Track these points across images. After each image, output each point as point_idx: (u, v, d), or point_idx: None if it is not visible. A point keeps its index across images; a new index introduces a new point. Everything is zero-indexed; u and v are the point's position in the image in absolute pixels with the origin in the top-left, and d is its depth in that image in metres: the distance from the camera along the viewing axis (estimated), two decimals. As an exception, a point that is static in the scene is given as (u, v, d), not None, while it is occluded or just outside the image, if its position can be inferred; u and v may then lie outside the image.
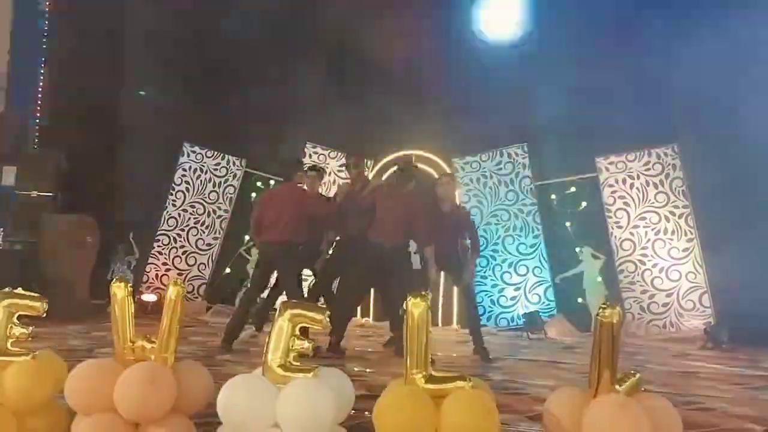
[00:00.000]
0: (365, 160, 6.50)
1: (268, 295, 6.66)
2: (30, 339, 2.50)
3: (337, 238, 6.23)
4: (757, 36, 7.13)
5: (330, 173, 9.40)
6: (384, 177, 8.40)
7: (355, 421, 2.85)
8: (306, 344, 2.38)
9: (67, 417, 2.48)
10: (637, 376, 2.22)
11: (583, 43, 8.14)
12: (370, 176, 9.27)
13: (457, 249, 5.78)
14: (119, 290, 2.46)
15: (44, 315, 2.53)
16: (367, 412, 3.03)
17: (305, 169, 6.44)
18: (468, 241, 5.90)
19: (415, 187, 5.77)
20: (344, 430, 2.36)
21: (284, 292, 6.03)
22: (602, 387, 2.06)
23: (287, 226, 5.56)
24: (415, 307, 2.28)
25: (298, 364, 2.35)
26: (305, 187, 6.17)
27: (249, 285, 6.18)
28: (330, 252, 6.24)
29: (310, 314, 2.40)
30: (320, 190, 6.76)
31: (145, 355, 2.42)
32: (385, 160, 9.49)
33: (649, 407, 2.03)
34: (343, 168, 9.59)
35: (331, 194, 7.33)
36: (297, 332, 2.38)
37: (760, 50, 7.21)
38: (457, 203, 6.17)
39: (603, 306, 2.05)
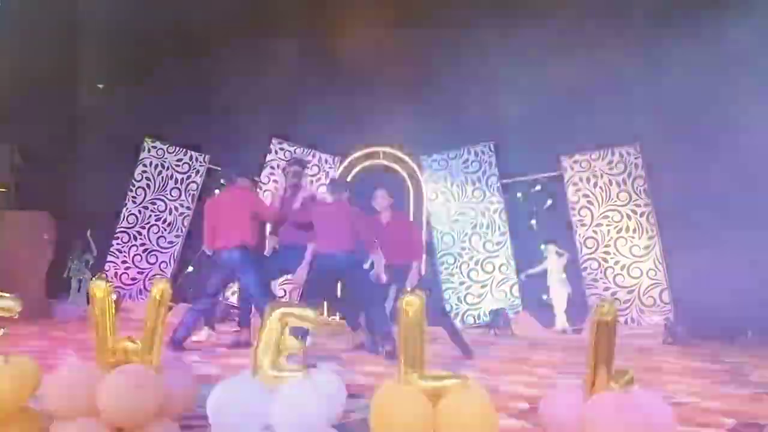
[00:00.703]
0: (306, 169, 6.55)
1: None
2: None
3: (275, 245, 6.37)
4: (724, 35, 7.29)
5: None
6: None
7: (341, 421, 2.80)
8: (297, 344, 2.34)
9: (43, 422, 2.37)
10: (630, 372, 2.24)
11: (551, 42, 8.24)
12: (337, 174, 9.25)
13: (405, 259, 5.87)
14: (99, 290, 2.36)
15: (16, 316, 2.42)
16: (352, 413, 2.99)
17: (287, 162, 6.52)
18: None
19: (348, 198, 5.93)
20: (335, 431, 2.32)
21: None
22: (599, 384, 2.08)
23: (242, 230, 5.62)
24: (409, 305, 2.25)
25: (288, 364, 2.31)
26: (250, 190, 6.30)
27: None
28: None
29: (300, 313, 2.35)
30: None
31: (127, 358, 2.33)
32: (351, 158, 9.43)
33: (644, 403, 2.05)
34: (309, 165, 9.55)
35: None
36: (287, 332, 2.33)
37: (726, 50, 7.39)
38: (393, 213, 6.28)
39: (600, 303, 2.06)
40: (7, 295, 2.41)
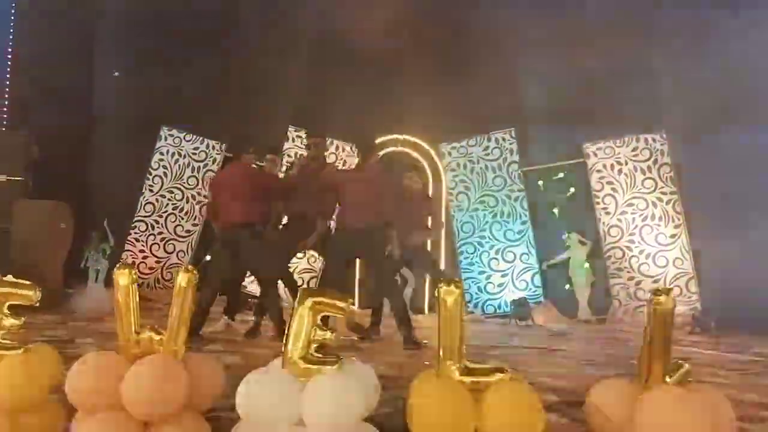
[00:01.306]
0: (327, 142, 6.31)
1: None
2: (21, 330, 2.29)
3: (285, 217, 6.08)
4: (745, 24, 7.09)
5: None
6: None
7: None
8: (328, 334, 2.21)
9: (63, 414, 2.28)
10: (686, 366, 2.10)
11: (573, 27, 8.05)
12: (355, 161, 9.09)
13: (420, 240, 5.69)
14: (123, 277, 2.25)
15: (37, 304, 2.32)
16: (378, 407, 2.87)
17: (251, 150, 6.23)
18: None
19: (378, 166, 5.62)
20: (370, 425, 2.20)
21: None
22: (653, 379, 1.93)
23: (242, 206, 5.37)
24: (447, 294, 2.12)
25: (320, 355, 2.18)
26: (254, 165, 5.98)
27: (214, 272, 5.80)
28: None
29: (333, 302, 2.22)
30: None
31: (152, 348, 2.22)
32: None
33: (705, 399, 1.91)
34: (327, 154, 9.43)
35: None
36: (319, 322, 2.21)
37: (748, 38, 7.17)
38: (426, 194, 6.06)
39: (657, 291, 1.92)
40: (27, 282, 2.31)
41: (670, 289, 1.92)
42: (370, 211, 5.20)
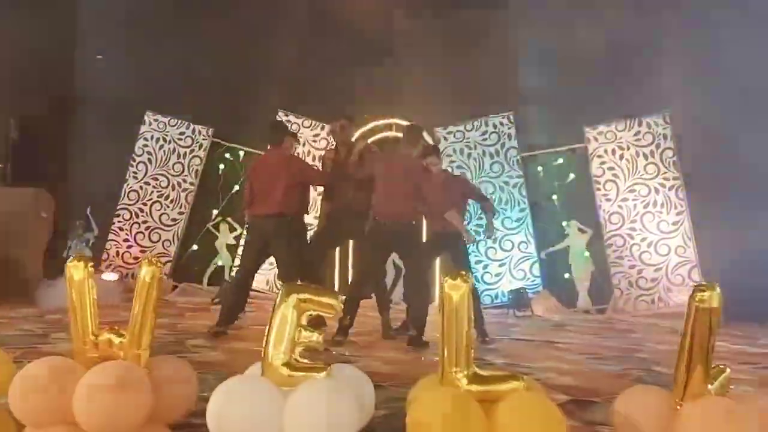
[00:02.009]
0: (352, 125, 5.88)
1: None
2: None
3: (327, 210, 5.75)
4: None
5: (304, 143, 8.83)
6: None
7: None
8: (315, 336, 1.93)
9: (16, 428, 1.98)
10: (727, 371, 1.83)
11: (570, 6, 7.78)
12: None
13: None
14: (77, 270, 1.96)
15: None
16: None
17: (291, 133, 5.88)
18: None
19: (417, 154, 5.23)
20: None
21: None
22: (694, 387, 1.66)
23: (279, 197, 5.02)
24: (453, 289, 1.83)
25: (306, 361, 1.90)
26: (295, 153, 5.74)
27: (240, 265, 5.56)
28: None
29: (320, 299, 1.94)
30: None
31: (112, 352, 1.93)
32: (360, 131, 8.97)
33: (752, 410, 1.64)
34: (317, 138, 9.12)
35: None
36: (304, 322, 1.93)
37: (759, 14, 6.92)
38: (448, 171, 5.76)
39: (700, 286, 1.64)
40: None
41: (714, 285, 1.64)
42: (410, 203, 4.93)
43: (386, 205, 4.93)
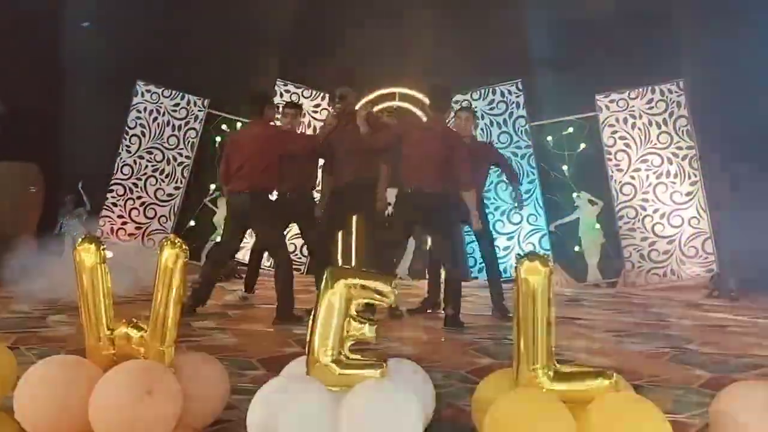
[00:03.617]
0: (352, 94, 5.53)
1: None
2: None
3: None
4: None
5: (304, 114, 8.49)
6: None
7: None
8: (367, 328, 1.67)
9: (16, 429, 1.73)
10: None
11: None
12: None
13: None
14: (88, 255, 1.68)
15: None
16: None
17: (281, 105, 5.57)
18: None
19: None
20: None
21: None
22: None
23: (259, 171, 4.72)
24: (530, 273, 1.59)
25: (358, 357, 1.65)
26: (278, 124, 5.39)
27: (219, 242, 5.33)
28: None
29: (374, 285, 1.67)
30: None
31: (130, 349, 1.67)
32: (363, 100, 8.63)
33: None
34: (318, 109, 8.79)
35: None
36: (353, 312, 1.67)
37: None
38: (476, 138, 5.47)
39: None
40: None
41: None
42: (440, 173, 4.56)
43: (415, 174, 4.59)
